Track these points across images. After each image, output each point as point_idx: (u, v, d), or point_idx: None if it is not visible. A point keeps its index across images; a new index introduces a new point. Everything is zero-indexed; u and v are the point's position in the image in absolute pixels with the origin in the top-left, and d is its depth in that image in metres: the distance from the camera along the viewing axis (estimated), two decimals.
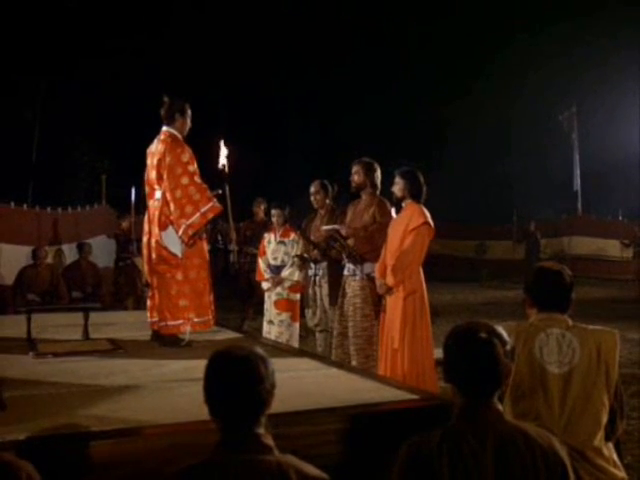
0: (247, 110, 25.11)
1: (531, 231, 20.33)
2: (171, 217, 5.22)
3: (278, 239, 7.58)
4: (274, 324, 7.45)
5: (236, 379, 2.09)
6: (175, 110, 5.46)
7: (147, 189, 5.51)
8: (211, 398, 2.12)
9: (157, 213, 5.26)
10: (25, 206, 12.82)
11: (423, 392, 3.78)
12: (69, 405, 3.30)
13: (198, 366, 4.21)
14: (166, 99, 5.52)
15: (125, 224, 12.81)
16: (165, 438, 2.91)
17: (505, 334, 2.37)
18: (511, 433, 2.24)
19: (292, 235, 7.62)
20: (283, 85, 26.30)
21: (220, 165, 8.96)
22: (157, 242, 5.29)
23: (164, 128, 5.45)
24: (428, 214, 5.59)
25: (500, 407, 2.31)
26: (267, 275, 7.50)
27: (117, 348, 4.86)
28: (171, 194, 5.18)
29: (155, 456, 2.81)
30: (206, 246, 5.53)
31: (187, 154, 5.31)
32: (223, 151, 8.66)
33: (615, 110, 23.99)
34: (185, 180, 5.22)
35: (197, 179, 5.27)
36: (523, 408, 3.00)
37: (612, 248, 20.09)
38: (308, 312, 7.11)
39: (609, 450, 3.03)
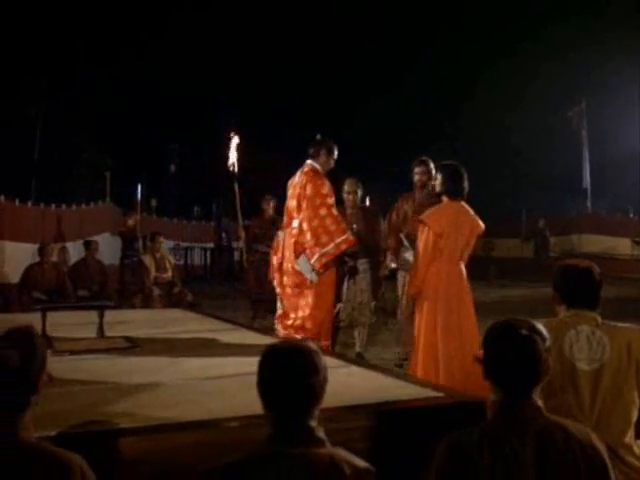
0: (254, 106, 25.18)
1: (540, 229, 20.34)
2: (306, 245, 5.61)
3: None
4: None
5: (294, 370, 2.13)
6: (324, 148, 5.90)
7: (286, 219, 5.98)
8: (267, 390, 2.15)
9: (293, 241, 5.70)
10: (29, 203, 12.88)
11: (448, 389, 3.81)
12: (93, 402, 3.33)
13: (216, 363, 4.31)
14: (319, 136, 6.01)
15: (131, 222, 12.85)
16: (193, 435, 2.94)
17: (544, 331, 2.40)
18: (551, 429, 2.27)
19: None
20: (290, 82, 26.38)
21: (230, 163, 9.02)
22: (292, 267, 5.73)
23: (308, 161, 5.89)
24: (446, 216, 5.60)
25: (540, 403, 2.34)
26: None
27: (134, 346, 4.89)
28: (308, 223, 5.58)
29: (184, 453, 2.84)
30: (334, 274, 5.89)
31: (327, 187, 5.71)
32: (233, 149, 8.72)
33: (625, 106, 23.98)
34: (323, 211, 5.61)
35: (334, 211, 5.67)
36: (554, 405, 3.02)
37: (623, 246, 20.06)
38: (337, 307, 7.14)
39: (639, 448, 3.07)
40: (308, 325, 5.60)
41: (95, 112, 21.27)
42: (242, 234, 9.74)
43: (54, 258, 10.57)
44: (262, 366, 2.18)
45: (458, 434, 2.30)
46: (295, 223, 5.74)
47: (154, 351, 4.75)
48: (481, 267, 21.93)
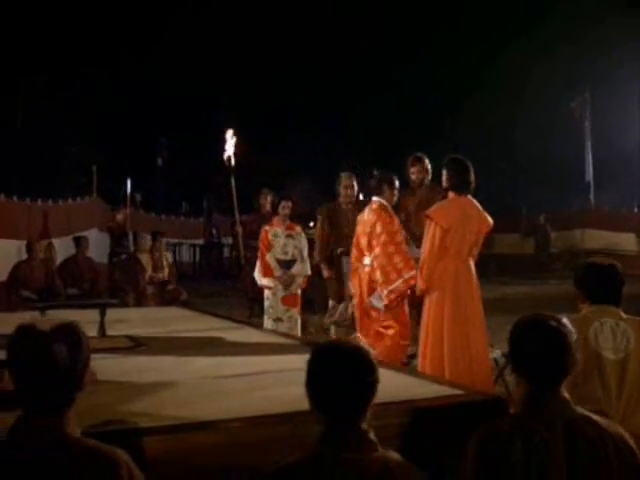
0: (253, 106, 25.41)
1: (540, 224, 20.41)
2: (377, 283, 6.08)
3: (286, 233, 7.68)
4: (282, 321, 7.58)
5: (353, 370, 2.17)
6: (385, 183, 6.29)
7: (355, 252, 6.43)
8: (321, 391, 2.18)
9: (367, 278, 6.20)
10: (15, 198, 12.84)
11: (466, 387, 3.88)
12: (108, 402, 3.36)
13: (227, 363, 4.37)
14: (376, 172, 6.49)
15: (120, 217, 12.86)
16: (211, 434, 2.99)
17: (570, 325, 2.52)
18: (580, 422, 2.37)
19: (297, 228, 7.77)
20: (289, 82, 26.62)
21: (226, 156, 9.08)
22: (366, 303, 6.24)
23: (375, 198, 6.33)
24: (453, 211, 5.64)
25: (567, 395, 2.44)
26: (277, 273, 7.59)
27: (138, 345, 4.93)
28: (378, 261, 6.04)
29: (203, 452, 2.89)
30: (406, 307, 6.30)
31: (395, 224, 6.18)
32: (230, 142, 8.79)
33: (630, 96, 24.07)
34: (391, 249, 6.07)
35: (403, 247, 6.14)
36: (581, 393, 3.18)
37: (626, 242, 20.10)
38: (339, 306, 7.24)
39: None
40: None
41: (82, 106, 21.27)
42: (239, 230, 9.78)
43: (41, 255, 10.56)
44: (316, 366, 2.20)
45: (487, 427, 2.40)
46: (367, 260, 6.20)
47: (160, 350, 4.80)
48: (481, 264, 22.00)
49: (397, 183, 6.41)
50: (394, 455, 2.18)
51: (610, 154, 23.15)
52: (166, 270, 10.07)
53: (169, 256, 10.83)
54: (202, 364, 4.35)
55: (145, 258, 9.98)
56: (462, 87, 25.23)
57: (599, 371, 3.25)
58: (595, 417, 2.45)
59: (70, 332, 2.08)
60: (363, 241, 6.30)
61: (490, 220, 5.73)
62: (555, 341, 2.43)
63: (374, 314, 6.25)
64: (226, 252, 20.08)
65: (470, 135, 24.06)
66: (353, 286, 6.48)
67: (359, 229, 6.41)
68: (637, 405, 3.20)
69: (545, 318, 2.50)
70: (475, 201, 5.71)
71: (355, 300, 6.47)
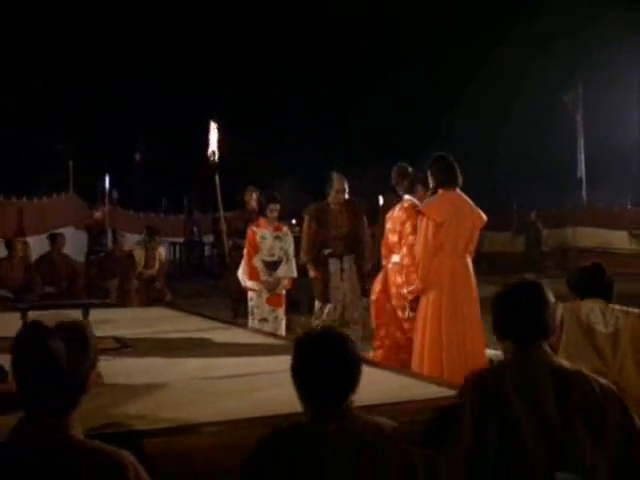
0: (251, 105, 25.53)
1: (532, 221, 20.48)
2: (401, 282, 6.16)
3: (274, 234, 7.74)
4: (268, 321, 7.65)
5: (341, 356, 2.28)
6: (418, 182, 6.29)
7: (384, 251, 6.55)
8: (307, 379, 2.29)
9: (394, 277, 6.29)
10: None
11: None
12: (102, 404, 3.34)
13: (218, 364, 4.39)
14: (410, 169, 6.47)
15: (98, 214, 12.83)
16: (208, 436, 3.01)
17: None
18: (565, 369, 2.56)
19: (284, 229, 7.83)
20: (287, 82, 26.83)
21: (209, 152, 9.02)
22: (391, 296, 6.33)
23: (406, 197, 6.40)
24: (445, 205, 5.68)
25: (550, 351, 2.63)
26: (263, 276, 7.64)
27: (125, 346, 4.93)
28: (404, 261, 6.13)
29: (200, 454, 2.91)
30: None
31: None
32: (213, 136, 8.74)
33: (624, 91, 24.18)
34: (417, 250, 6.00)
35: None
36: (579, 362, 3.42)
37: (619, 240, 20.20)
38: (326, 307, 7.29)
39: None
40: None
41: (64, 103, 21.24)
42: (223, 227, 9.78)
43: (20, 253, 10.49)
44: (302, 356, 2.31)
45: (479, 372, 2.62)
46: (396, 258, 6.27)
47: (148, 351, 4.80)
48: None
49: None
50: (387, 420, 2.31)
51: (603, 150, 23.24)
52: (157, 265, 10.10)
53: (162, 253, 10.80)
54: (192, 365, 4.36)
55: (139, 253, 9.99)
56: (457, 86, 25.39)
57: (593, 344, 3.77)
58: (577, 366, 2.63)
59: (75, 331, 2.08)
60: (393, 238, 6.35)
61: (483, 216, 5.81)
62: (536, 297, 2.63)
63: (394, 301, 6.30)
64: (207, 250, 20.01)
65: (466, 132, 24.25)
66: (376, 282, 6.53)
67: (388, 226, 6.46)
68: (632, 368, 3.69)
69: (525, 280, 2.78)
70: (465, 196, 5.77)
71: (373, 297, 6.52)
